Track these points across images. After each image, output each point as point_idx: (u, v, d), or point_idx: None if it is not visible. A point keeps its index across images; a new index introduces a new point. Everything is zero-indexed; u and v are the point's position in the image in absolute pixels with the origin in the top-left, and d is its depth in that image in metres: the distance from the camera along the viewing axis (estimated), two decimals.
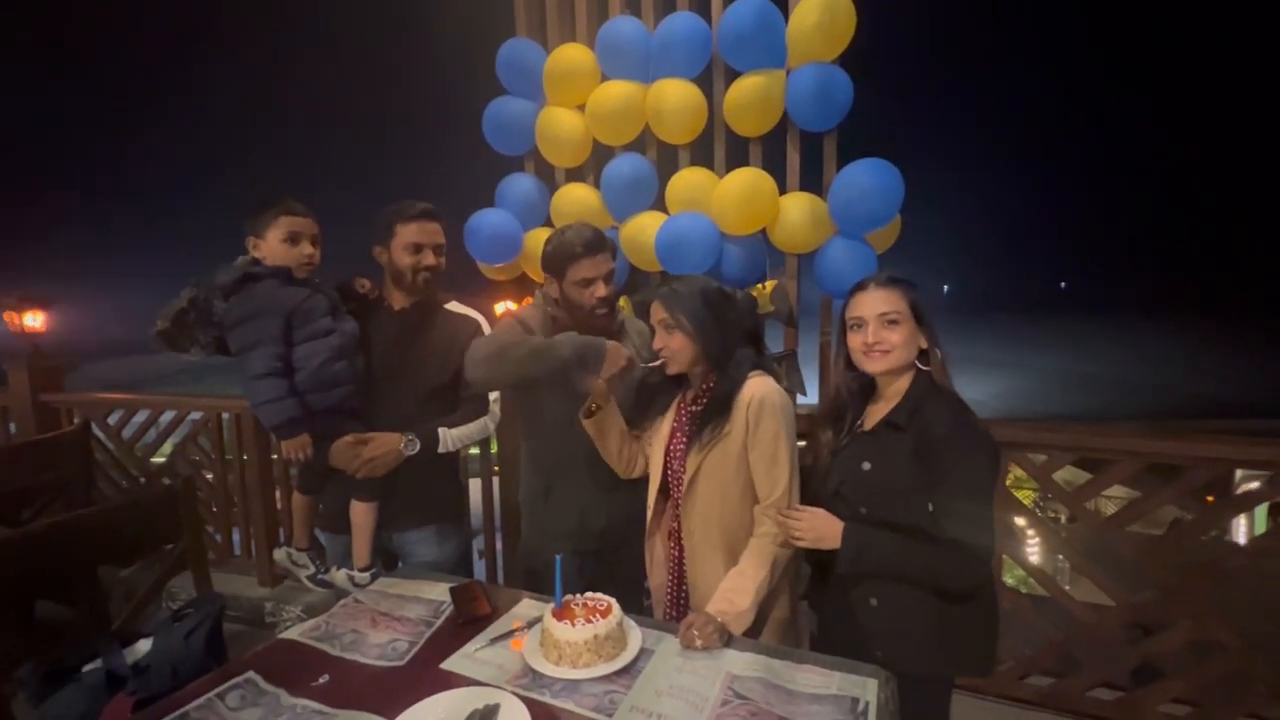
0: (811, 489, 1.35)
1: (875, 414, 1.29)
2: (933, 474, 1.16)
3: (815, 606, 1.43)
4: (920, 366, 1.25)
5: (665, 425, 1.49)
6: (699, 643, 1.15)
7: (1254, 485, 1.79)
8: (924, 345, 1.25)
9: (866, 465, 1.24)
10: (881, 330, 1.23)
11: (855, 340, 1.27)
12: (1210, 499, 2.15)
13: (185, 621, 1.28)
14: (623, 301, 2.09)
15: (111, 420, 2.95)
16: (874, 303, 1.24)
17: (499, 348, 1.41)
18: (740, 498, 1.37)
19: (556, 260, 1.50)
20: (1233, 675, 1.70)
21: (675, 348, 1.39)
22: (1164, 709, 1.77)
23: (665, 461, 1.47)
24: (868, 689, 1.04)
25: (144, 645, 1.23)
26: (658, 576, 1.52)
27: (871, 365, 1.26)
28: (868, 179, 1.85)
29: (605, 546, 1.63)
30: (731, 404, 1.35)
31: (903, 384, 1.26)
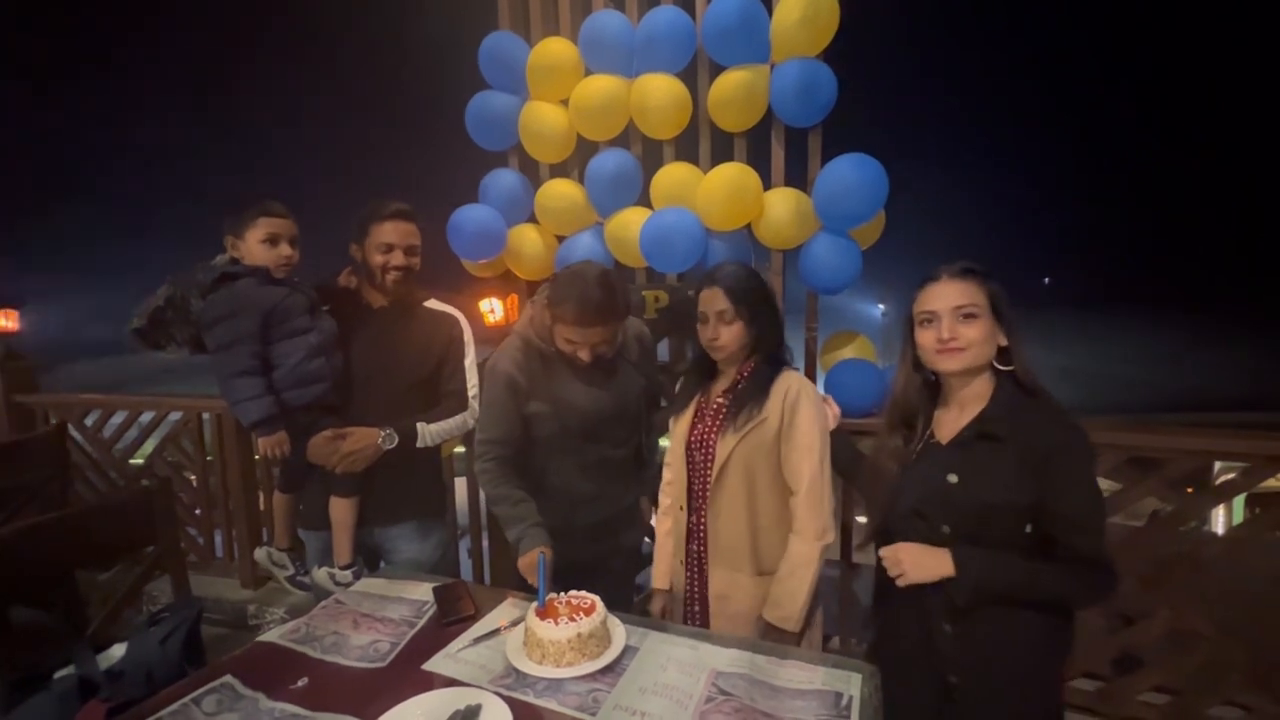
0: (880, 508, 1.23)
1: (949, 421, 1.16)
2: (1048, 488, 1.04)
3: (881, 645, 1.32)
4: (999, 367, 1.12)
5: (684, 422, 1.48)
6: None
7: (1232, 476, 1.82)
8: (1004, 343, 1.11)
9: (953, 478, 1.10)
10: (957, 325, 1.10)
11: (926, 336, 1.13)
12: (1190, 490, 2.18)
13: (161, 626, 1.25)
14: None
15: (89, 421, 2.90)
16: (948, 295, 1.11)
17: (494, 499, 1.50)
18: (768, 488, 1.38)
19: (553, 309, 1.44)
20: (1210, 663, 1.72)
21: (729, 339, 1.38)
22: (1143, 698, 1.79)
23: (687, 455, 1.47)
24: (851, 683, 1.04)
25: (118, 650, 1.20)
26: (673, 578, 1.52)
27: (944, 364, 1.12)
28: (852, 174, 1.85)
29: (597, 540, 1.61)
30: (770, 389, 1.37)
31: (981, 388, 1.12)
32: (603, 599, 1.17)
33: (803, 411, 1.35)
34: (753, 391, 1.38)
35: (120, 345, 1.58)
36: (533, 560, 1.30)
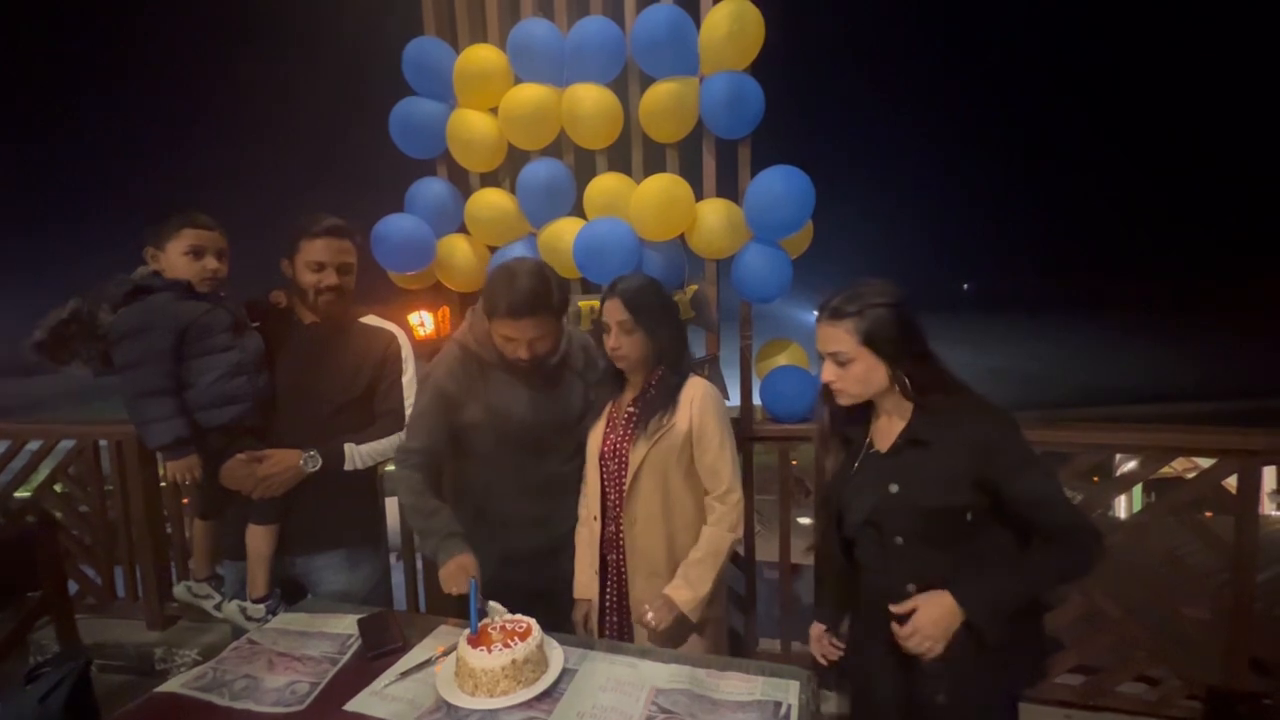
0: (829, 523, 1.24)
1: (884, 430, 1.16)
2: (997, 477, 1.05)
3: (848, 662, 1.30)
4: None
5: (596, 433, 1.49)
6: (650, 617, 1.33)
7: (1131, 467, 1.96)
8: (887, 370, 1.10)
9: (894, 488, 1.11)
10: (833, 368, 1.13)
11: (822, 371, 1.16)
12: (1095, 480, 2.34)
13: (41, 682, 1.12)
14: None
15: None
16: (822, 339, 1.13)
17: (408, 509, 1.43)
18: (681, 487, 1.43)
19: (486, 305, 1.41)
20: (1119, 643, 1.85)
21: (630, 348, 1.41)
22: (1062, 679, 1.89)
23: (601, 464, 1.47)
24: (790, 692, 1.04)
25: None
26: (593, 589, 1.50)
27: (837, 401, 1.16)
28: (780, 186, 1.89)
29: (543, 567, 1.56)
30: (678, 396, 1.42)
31: (901, 400, 1.13)
32: (551, 627, 1.14)
33: (710, 415, 1.42)
34: (662, 399, 1.43)
35: (6, 368, 1.44)
36: (452, 570, 1.26)
